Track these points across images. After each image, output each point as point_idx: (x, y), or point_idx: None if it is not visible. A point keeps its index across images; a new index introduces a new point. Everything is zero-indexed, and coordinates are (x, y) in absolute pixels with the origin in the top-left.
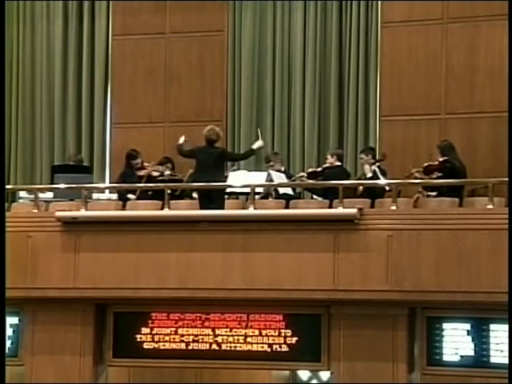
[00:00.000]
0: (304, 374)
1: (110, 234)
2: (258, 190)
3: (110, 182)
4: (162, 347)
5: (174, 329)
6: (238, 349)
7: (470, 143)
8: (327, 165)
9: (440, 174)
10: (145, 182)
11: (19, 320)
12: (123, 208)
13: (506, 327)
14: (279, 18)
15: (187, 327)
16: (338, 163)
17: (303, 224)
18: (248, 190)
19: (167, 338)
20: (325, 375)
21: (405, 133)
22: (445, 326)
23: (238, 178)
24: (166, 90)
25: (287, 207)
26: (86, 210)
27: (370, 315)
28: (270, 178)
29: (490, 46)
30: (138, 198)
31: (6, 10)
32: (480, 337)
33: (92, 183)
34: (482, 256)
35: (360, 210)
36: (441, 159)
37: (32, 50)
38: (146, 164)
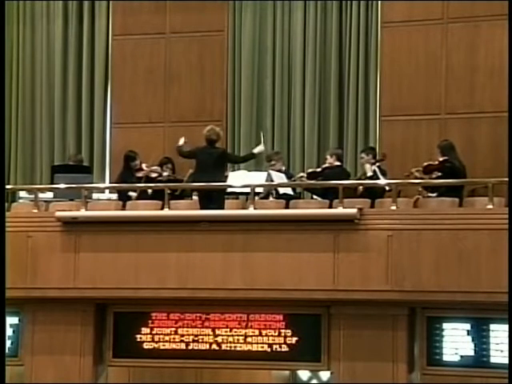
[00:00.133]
0: (304, 374)
1: (110, 233)
2: (258, 189)
3: (110, 182)
4: (161, 347)
5: (173, 329)
6: (238, 349)
7: (469, 143)
8: (327, 165)
9: (440, 174)
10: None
11: (19, 320)
12: (123, 208)
13: (506, 327)
14: (279, 18)
15: (187, 327)
16: (338, 163)
17: (303, 224)
18: (248, 190)
19: (167, 338)
20: (325, 375)
21: (405, 133)
22: (445, 326)
23: (238, 178)
24: (166, 90)
25: (287, 207)
26: (86, 210)
27: (369, 315)
28: (269, 178)
29: (490, 46)
30: (138, 198)
31: (6, 10)
32: (480, 337)
33: (92, 183)
34: (482, 256)
35: (360, 210)
36: (441, 159)
37: (32, 50)
38: (144, 165)
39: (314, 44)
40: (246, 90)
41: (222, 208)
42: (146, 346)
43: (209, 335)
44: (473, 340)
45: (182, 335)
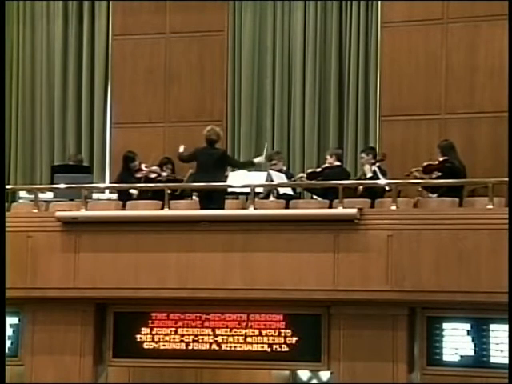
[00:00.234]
0: (304, 374)
1: (110, 233)
2: (258, 189)
3: (110, 182)
4: (161, 347)
5: (173, 329)
6: (238, 349)
7: (470, 143)
8: (327, 165)
9: (440, 174)
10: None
11: (19, 320)
12: (123, 208)
13: (506, 327)
14: (279, 18)
15: (187, 327)
16: (338, 163)
17: (303, 224)
18: (248, 190)
19: (167, 338)
20: (325, 375)
21: (405, 133)
22: (445, 325)
23: (238, 178)
24: (166, 90)
25: (287, 207)
26: (86, 210)
27: (369, 315)
28: (269, 178)
29: (490, 46)
30: (139, 198)
31: (6, 10)
32: (480, 337)
33: (92, 183)
34: (482, 256)
35: (360, 210)
36: (441, 159)
37: (32, 50)
38: (143, 166)
39: (314, 44)
40: (246, 90)
41: (222, 208)
42: (145, 345)
43: (209, 335)
44: (473, 340)
45: (182, 335)
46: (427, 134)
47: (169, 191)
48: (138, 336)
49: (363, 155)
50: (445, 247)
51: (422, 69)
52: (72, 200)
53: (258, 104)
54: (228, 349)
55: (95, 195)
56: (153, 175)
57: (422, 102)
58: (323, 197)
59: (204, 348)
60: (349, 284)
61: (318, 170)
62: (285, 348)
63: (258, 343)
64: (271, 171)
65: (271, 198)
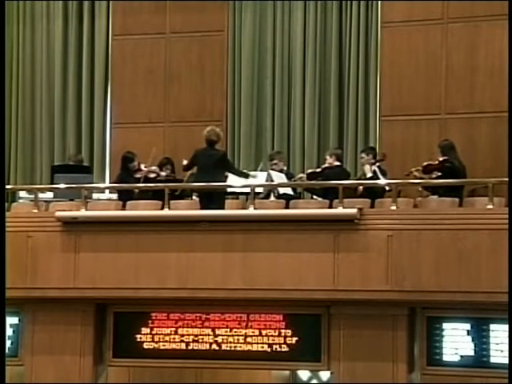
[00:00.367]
0: (304, 374)
1: (110, 233)
2: (258, 189)
3: (110, 182)
4: (161, 347)
5: (173, 329)
6: (238, 349)
7: (470, 143)
8: (326, 165)
9: (439, 174)
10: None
11: (19, 320)
12: (123, 208)
13: (506, 327)
14: (279, 18)
15: (187, 327)
16: (337, 163)
17: (303, 224)
18: (248, 190)
19: (167, 338)
20: (325, 375)
21: (405, 133)
22: (445, 325)
23: (238, 178)
24: (166, 90)
25: (287, 207)
26: (86, 210)
27: (370, 315)
28: (269, 178)
29: (490, 46)
30: (138, 199)
31: (6, 10)
32: (480, 337)
33: (92, 183)
34: (482, 256)
35: (360, 210)
36: (441, 159)
37: (32, 50)
38: (142, 166)
39: (314, 44)
40: (246, 89)
41: (222, 208)
42: (146, 345)
43: (209, 335)
44: (473, 340)
45: (182, 335)
46: (427, 134)
47: (168, 191)
48: (138, 336)
49: (363, 155)
50: (445, 247)
51: (422, 69)
52: (72, 200)
53: (258, 104)
54: (228, 349)
55: (95, 195)
56: (152, 175)
57: (422, 102)
58: (323, 197)
59: (204, 348)
60: (349, 284)
61: (318, 170)
62: (285, 348)
63: (257, 343)
64: (271, 171)
65: (271, 198)
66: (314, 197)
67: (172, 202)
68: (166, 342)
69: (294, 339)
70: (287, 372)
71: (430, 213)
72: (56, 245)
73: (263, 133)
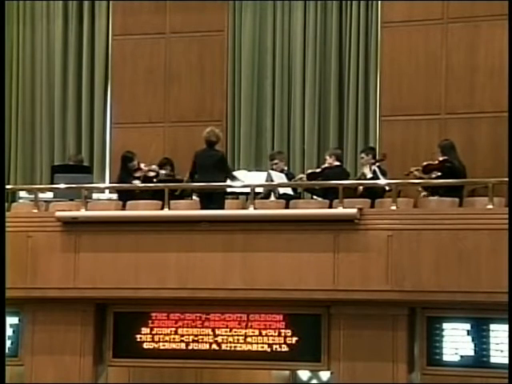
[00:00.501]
0: (304, 374)
1: (110, 233)
2: (257, 189)
3: (110, 182)
4: (161, 347)
5: (173, 329)
6: (238, 349)
7: (470, 143)
8: (326, 165)
9: (439, 174)
10: (142, 183)
11: (19, 320)
12: (123, 208)
13: (506, 327)
14: (279, 18)
15: (187, 327)
16: (337, 163)
17: (303, 224)
18: (248, 190)
19: (167, 338)
20: (325, 375)
21: (405, 133)
22: (445, 326)
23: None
24: (166, 90)
25: (287, 207)
26: (86, 210)
27: (370, 315)
28: (269, 178)
29: (490, 46)
30: (138, 198)
31: (6, 10)
32: (480, 337)
33: (92, 183)
34: (482, 256)
35: (360, 210)
36: (440, 158)
37: (32, 50)
38: (141, 165)
39: (314, 44)
40: (246, 90)
41: (222, 208)
42: (145, 345)
43: (209, 335)
44: (473, 340)
45: (182, 335)
46: (427, 134)
47: (168, 191)
48: (138, 336)
49: (363, 155)
50: (445, 247)
51: (422, 69)
52: (72, 200)
53: (258, 104)
54: (228, 349)
55: (95, 195)
56: (151, 174)
57: (422, 102)
58: (323, 197)
59: (204, 348)
60: (349, 284)
61: (318, 170)
62: (285, 348)
63: (258, 343)
64: (271, 171)
65: (272, 198)
66: (314, 197)
67: (172, 201)
68: (166, 341)
69: (294, 339)
70: (287, 372)
71: (430, 213)
72: (56, 245)
73: (263, 133)
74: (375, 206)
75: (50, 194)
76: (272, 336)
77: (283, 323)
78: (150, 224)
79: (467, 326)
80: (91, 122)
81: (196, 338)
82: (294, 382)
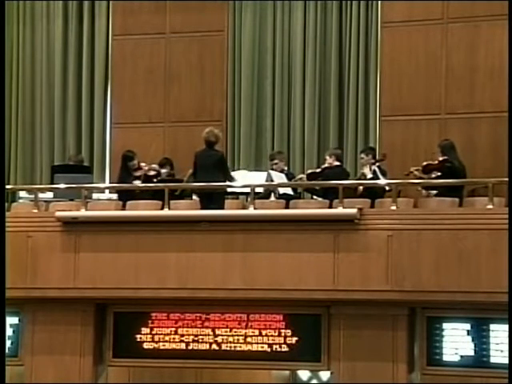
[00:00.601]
0: (304, 374)
1: (110, 233)
2: (257, 189)
3: (110, 182)
4: (161, 347)
5: (173, 329)
6: (238, 349)
7: (470, 143)
8: (326, 165)
9: (439, 174)
10: (142, 183)
11: (19, 320)
12: (123, 208)
13: (506, 327)
14: (279, 18)
15: (187, 327)
16: (337, 163)
17: (303, 224)
18: (248, 190)
19: (167, 338)
20: (325, 375)
21: (405, 133)
22: (445, 326)
23: (238, 178)
24: (166, 90)
25: (287, 207)
26: (86, 210)
27: (370, 315)
28: (269, 178)
29: (490, 46)
30: (138, 198)
31: (6, 10)
32: (480, 337)
33: (92, 183)
34: (482, 256)
35: (360, 210)
36: (440, 158)
37: (32, 50)
38: (142, 164)
39: (314, 44)
40: (246, 89)
41: (222, 208)
42: (145, 345)
43: (209, 335)
44: (473, 340)
45: (182, 335)
46: (427, 134)
47: (168, 191)
48: (138, 336)
49: (363, 155)
50: (445, 247)
51: (422, 69)
52: (72, 200)
53: (258, 104)
54: (228, 349)
55: (95, 195)
56: (152, 173)
57: (422, 102)
58: (323, 197)
59: (204, 348)
60: (349, 284)
61: (318, 170)
62: (285, 348)
63: (257, 343)
64: (271, 171)
65: (272, 198)
66: (314, 197)
67: (172, 201)
68: (166, 341)
69: (294, 339)
70: (287, 372)
71: (430, 213)
72: (56, 245)
73: (263, 133)
74: (375, 206)
75: (50, 194)
76: (272, 336)
77: (283, 323)
78: (150, 224)
79: (467, 326)
80: (91, 122)
81: (196, 338)
82: (293, 382)
